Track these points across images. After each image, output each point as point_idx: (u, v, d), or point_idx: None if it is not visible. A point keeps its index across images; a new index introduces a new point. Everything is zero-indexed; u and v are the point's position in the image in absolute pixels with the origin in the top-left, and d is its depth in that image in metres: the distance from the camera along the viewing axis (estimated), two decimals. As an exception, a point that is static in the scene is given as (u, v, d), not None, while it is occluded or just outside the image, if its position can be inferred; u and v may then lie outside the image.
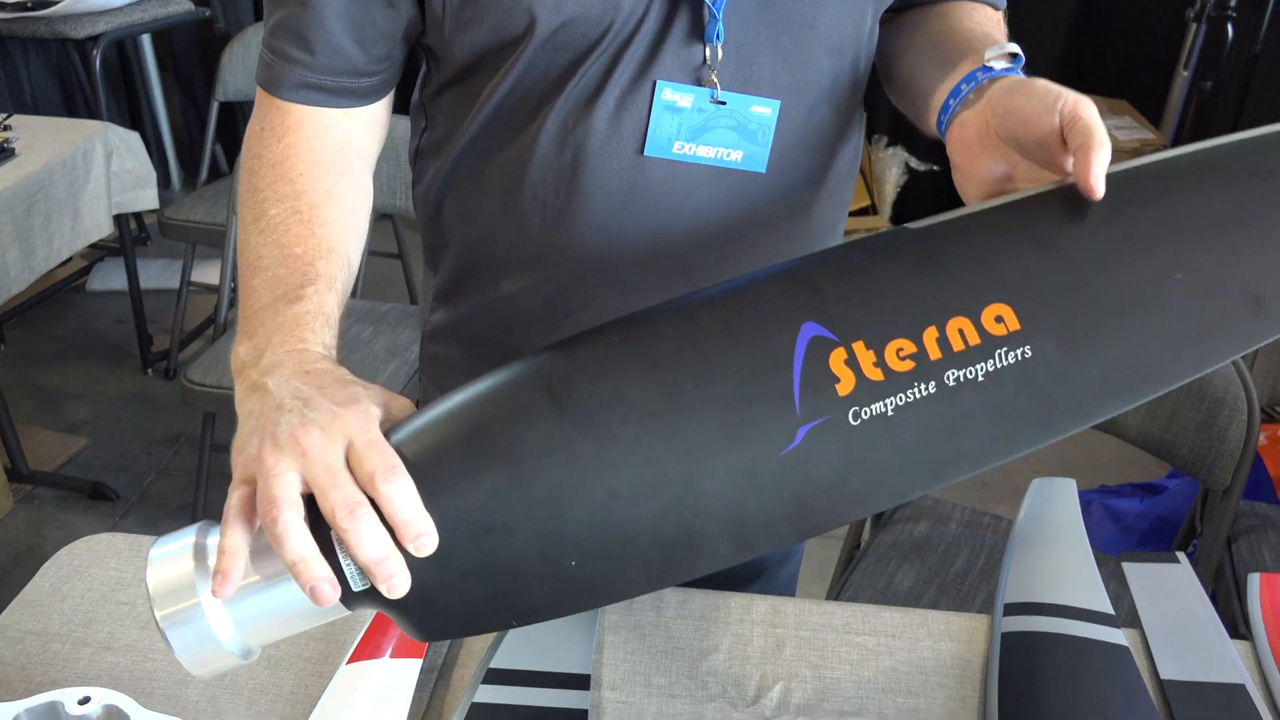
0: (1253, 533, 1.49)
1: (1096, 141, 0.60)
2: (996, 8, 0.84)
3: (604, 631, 0.82)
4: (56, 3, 2.22)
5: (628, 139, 0.74)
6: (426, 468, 0.55)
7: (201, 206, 2.33)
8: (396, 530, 0.53)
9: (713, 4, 0.70)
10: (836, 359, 0.56)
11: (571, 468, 0.54)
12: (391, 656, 0.77)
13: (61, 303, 2.93)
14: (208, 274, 2.63)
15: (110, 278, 2.97)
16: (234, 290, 1.92)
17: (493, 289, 0.85)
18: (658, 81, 0.73)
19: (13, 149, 1.71)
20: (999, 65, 0.71)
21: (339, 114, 0.77)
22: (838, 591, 1.35)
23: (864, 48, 0.80)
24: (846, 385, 0.56)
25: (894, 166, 2.82)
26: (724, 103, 0.74)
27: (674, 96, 0.73)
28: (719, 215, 0.78)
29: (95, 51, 2.31)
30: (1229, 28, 2.16)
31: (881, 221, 2.81)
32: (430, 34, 0.77)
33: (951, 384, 0.57)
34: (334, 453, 0.54)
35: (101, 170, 1.82)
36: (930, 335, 0.57)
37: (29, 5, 2.22)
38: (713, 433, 0.55)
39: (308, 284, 0.66)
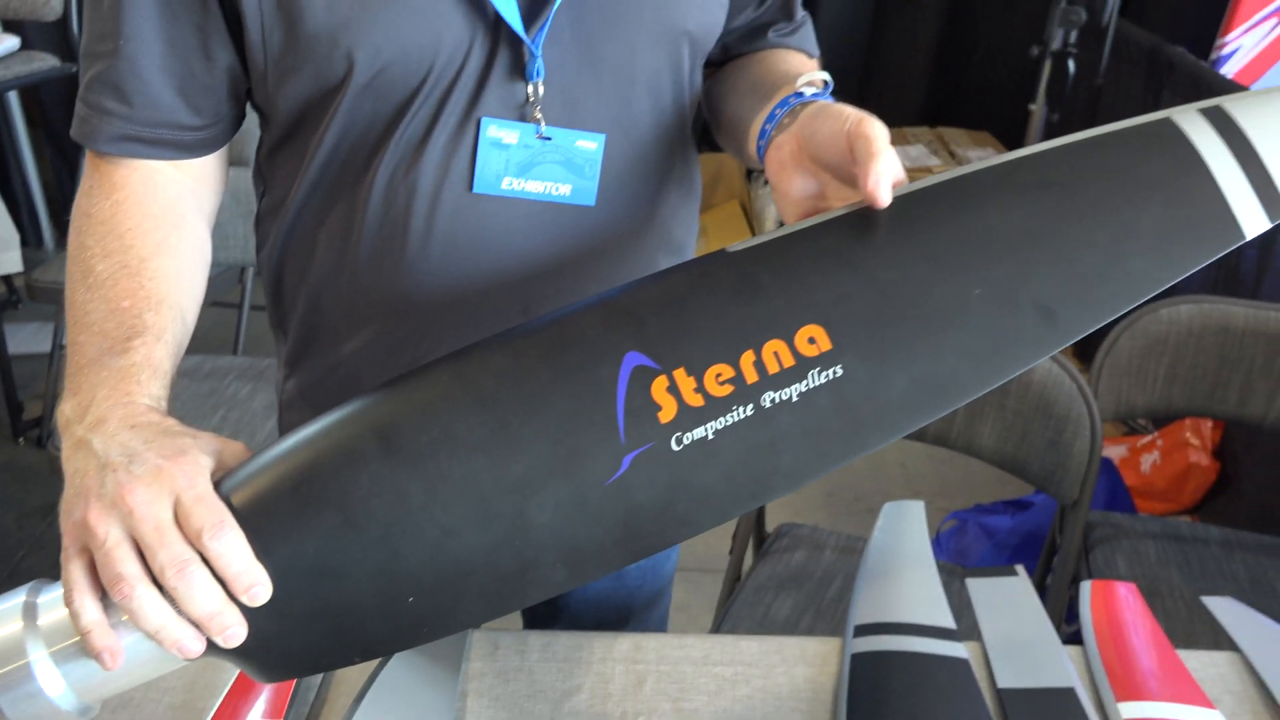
0: (1108, 542, 1.57)
1: (876, 151, 0.62)
2: (811, 55, 0.89)
3: (468, 680, 0.83)
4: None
5: (457, 179, 0.76)
6: (257, 516, 0.56)
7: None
8: (228, 583, 0.54)
9: (530, 43, 0.73)
10: (659, 387, 0.59)
11: (403, 508, 0.56)
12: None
13: (-75, 372, 2.81)
14: (82, 336, 2.55)
15: (-23, 343, 2.86)
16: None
17: (335, 351, 0.86)
18: (482, 119, 0.75)
19: None
20: (809, 91, 0.74)
21: (167, 167, 0.77)
22: (717, 624, 1.37)
23: (686, 89, 0.83)
24: (669, 412, 0.58)
25: (771, 204, 2.90)
26: (549, 138, 0.76)
27: (500, 133, 0.75)
28: (552, 250, 0.80)
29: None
30: (1070, 63, 2.30)
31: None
32: (256, 89, 0.78)
33: (768, 405, 0.59)
34: (161, 509, 0.55)
35: (-40, 235, 1.77)
36: (748, 359, 0.59)
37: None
38: (541, 465, 0.57)
39: (135, 336, 0.66)
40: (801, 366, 0.60)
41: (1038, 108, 2.64)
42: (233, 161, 0.87)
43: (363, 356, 0.84)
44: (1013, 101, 2.96)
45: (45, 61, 2.49)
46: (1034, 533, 1.94)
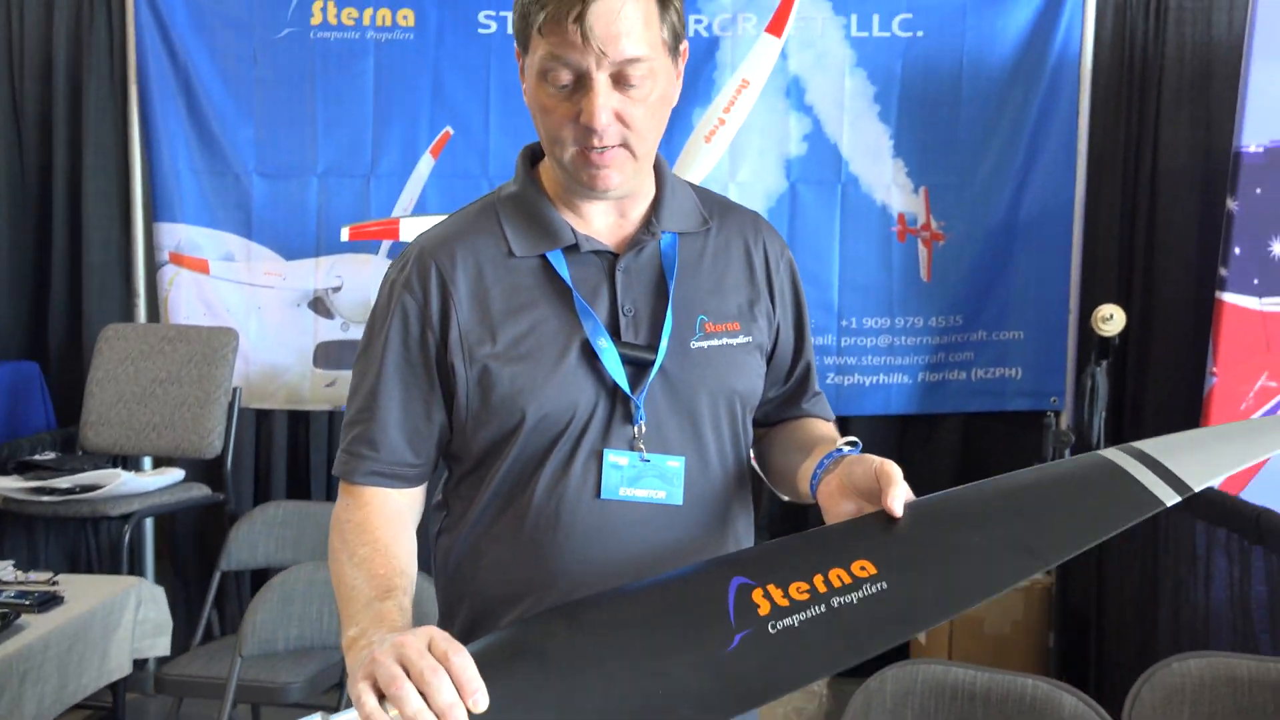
0: None
1: (892, 482, 0.99)
2: (829, 420, 1.28)
3: None
4: (100, 487, 2.63)
5: (590, 490, 1.08)
6: (482, 664, 0.85)
7: (197, 663, 2.54)
8: (460, 688, 0.82)
9: (635, 399, 1.08)
10: (757, 594, 0.90)
11: (581, 661, 0.85)
12: None
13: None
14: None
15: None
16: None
17: (498, 622, 1.11)
18: (605, 450, 1.08)
19: (61, 597, 2.00)
20: (846, 449, 1.12)
21: (395, 492, 1.12)
22: None
23: (741, 430, 1.17)
24: (764, 609, 0.90)
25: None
26: (649, 460, 1.09)
27: (616, 459, 1.08)
28: (657, 537, 1.10)
29: (127, 528, 2.68)
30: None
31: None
32: (456, 438, 1.13)
33: (836, 605, 0.90)
34: (420, 644, 0.86)
35: (131, 618, 2.10)
36: (819, 579, 0.91)
37: (76, 490, 2.62)
38: (678, 639, 0.87)
39: (390, 591, 1.00)
40: (857, 583, 0.92)
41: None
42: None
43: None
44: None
45: (201, 491, 2.97)
46: None
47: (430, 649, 0.85)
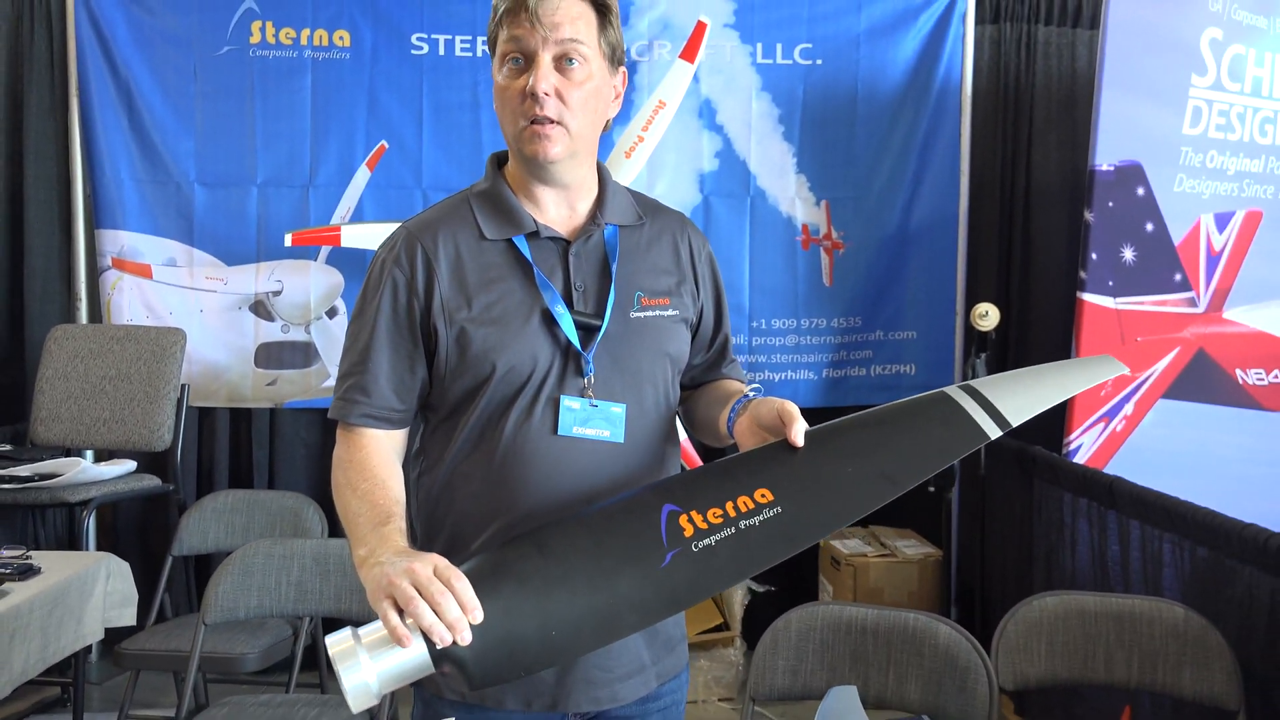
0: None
1: (793, 419, 1.24)
2: (742, 380, 1.54)
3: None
4: (57, 475, 2.76)
5: (548, 428, 1.30)
6: (474, 582, 1.08)
7: (155, 639, 2.69)
8: (462, 606, 1.05)
9: (585, 356, 1.31)
10: (684, 520, 1.15)
11: (549, 582, 1.09)
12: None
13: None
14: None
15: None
16: None
17: (468, 546, 1.32)
18: (561, 396, 1.30)
19: (39, 568, 2.16)
20: (751, 394, 1.38)
21: (383, 433, 1.33)
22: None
23: (671, 385, 1.40)
24: (689, 531, 1.15)
25: (738, 590, 3.43)
26: (596, 405, 1.31)
27: (570, 404, 1.30)
28: (602, 469, 1.31)
29: (87, 513, 2.82)
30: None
31: (733, 636, 3.36)
32: (434, 391, 1.33)
33: (744, 528, 1.16)
34: (427, 568, 1.08)
35: (101, 588, 2.26)
36: (729, 505, 1.17)
37: (34, 478, 2.75)
38: (622, 559, 1.13)
39: (389, 517, 1.21)
40: (758, 508, 1.17)
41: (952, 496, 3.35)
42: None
43: (484, 545, 1.32)
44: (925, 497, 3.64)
45: (152, 481, 3.11)
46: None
47: (436, 574, 1.07)
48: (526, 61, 1.29)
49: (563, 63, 1.28)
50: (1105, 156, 3.01)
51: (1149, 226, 3.06)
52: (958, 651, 1.94)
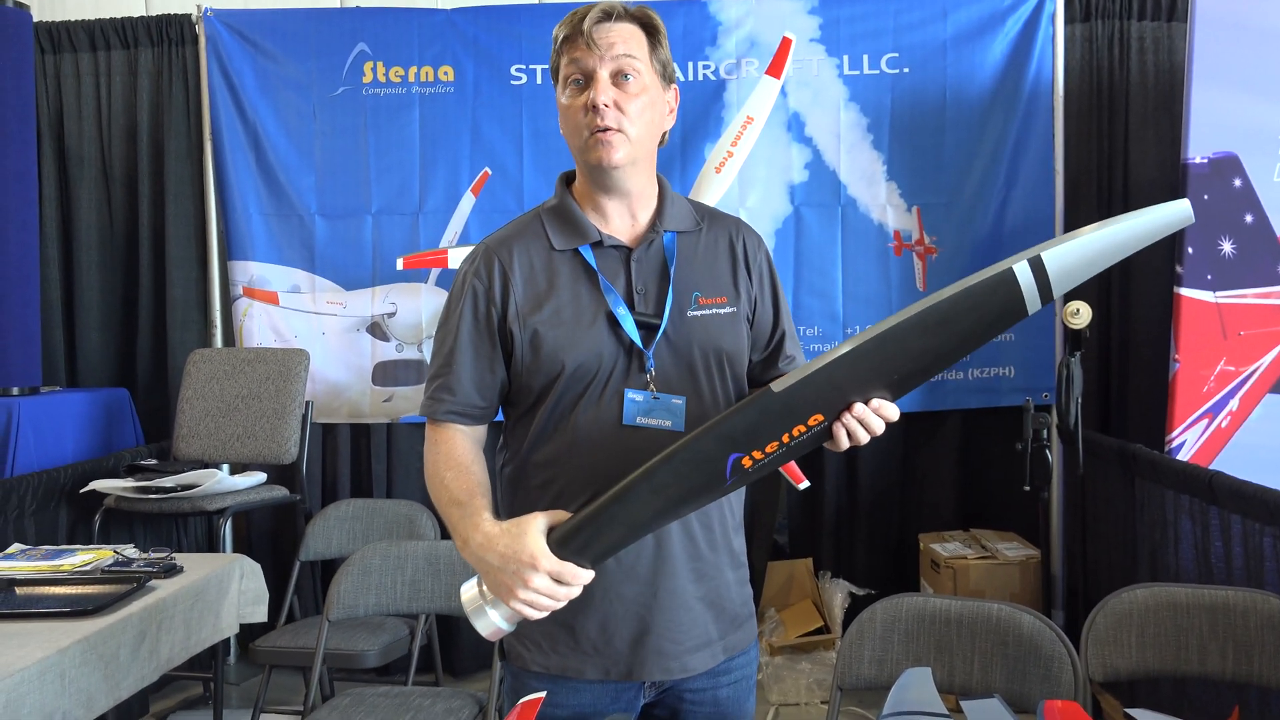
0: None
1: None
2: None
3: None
4: (197, 486, 3.02)
5: (615, 418, 1.41)
6: (574, 542, 1.29)
7: (285, 637, 2.91)
8: (572, 584, 1.29)
9: (647, 354, 1.42)
10: (745, 461, 1.29)
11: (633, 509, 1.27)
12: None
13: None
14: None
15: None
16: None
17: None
18: (626, 390, 1.41)
19: (181, 567, 2.38)
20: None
21: (467, 428, 1.46)
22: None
23: (729, 378, 1.47)
24: (748, 464, 1.30)
25: (839, 593, 3.47)
26: (658, 398, 1.42)
27: (634, 396, 1.41)
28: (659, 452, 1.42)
29: (222, 520, 3.08)
30: (1047, 454, 3.00)
31: (834, 638, 3.40)
32: (513, 388, 1.46)
33: (794, 446, 1.30)
34: (541, 580, 1.28)
35: (236, 587, 2.47)
36: (785, 436, 1.30)
37: (178, 489, 3.01)
38: (692, 501, 1.30)
39: (473, 496, 1.38)
40: (810, 430, 1.31)
41: (1054, 499, 3.33)
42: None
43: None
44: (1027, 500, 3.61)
45: (281, 491, 3.36)
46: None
47: (545, 572, 1.27)
48: (586, 81, 1.41)
49: (619, 78, 1.41)
50: (1198, 149, 2.98)
51: (1248, 218, 3.00)
52: (1041, 641, 1.97)
